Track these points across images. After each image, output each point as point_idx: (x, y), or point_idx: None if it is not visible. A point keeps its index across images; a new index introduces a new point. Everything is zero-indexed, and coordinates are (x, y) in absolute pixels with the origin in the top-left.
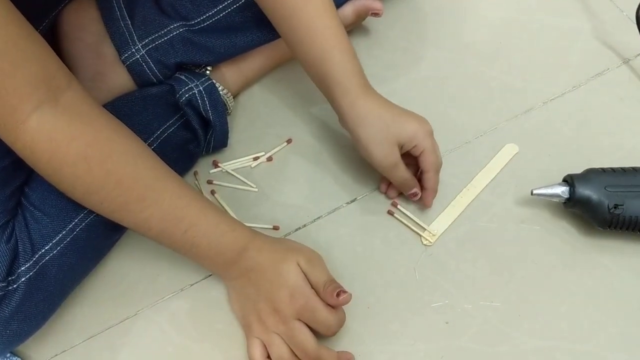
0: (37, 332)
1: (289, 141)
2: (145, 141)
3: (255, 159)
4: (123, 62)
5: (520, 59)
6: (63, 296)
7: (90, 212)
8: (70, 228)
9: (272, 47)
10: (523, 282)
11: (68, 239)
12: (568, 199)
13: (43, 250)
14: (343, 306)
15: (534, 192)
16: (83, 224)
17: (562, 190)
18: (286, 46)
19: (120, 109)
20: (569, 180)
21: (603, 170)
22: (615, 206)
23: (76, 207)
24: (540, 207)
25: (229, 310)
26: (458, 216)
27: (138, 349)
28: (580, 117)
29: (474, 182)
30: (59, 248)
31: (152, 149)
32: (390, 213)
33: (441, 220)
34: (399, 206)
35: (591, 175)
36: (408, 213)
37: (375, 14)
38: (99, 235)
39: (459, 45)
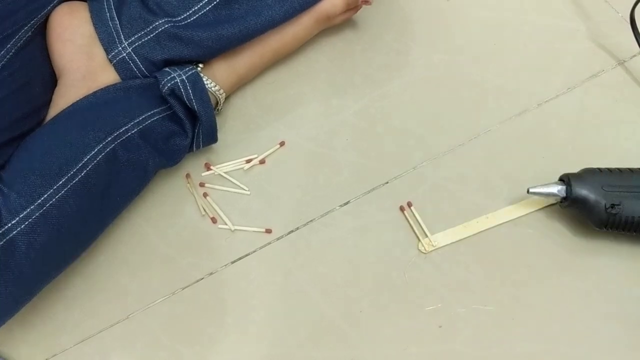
0: (28, 336)
1: (281, 144)
2: (123, 126)
3: (248, 161)
4: (110, 60)
5: (514, 60)
6: (38, 282)
7: (60, 188)
8: (39, 203)
9: (262, 42)
10: (517, 285)
11: (37, 214)
12: (564, 198)
13: (9, 224)
14: None
15: (530, 190)
16: (53, 200)
17: (559, 189)
18: (276, 41)
19: (101, 96)
20: (565, 180)
21: (600, 170)
22: (612, 206)
23: (44, 183)
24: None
25: (221, 314)
26: (465, 238)
27: (129, 353)
28: (574, 119)
29: (497, 214)
30: (27, 223)
31: (132, 134)
32: (401, 209)
33: (447, 235)
34: (412, 207)
35: (588, 174)
36: (418, 216)
37: (366, 2)
38: (74, 217)
39: (452, 47)
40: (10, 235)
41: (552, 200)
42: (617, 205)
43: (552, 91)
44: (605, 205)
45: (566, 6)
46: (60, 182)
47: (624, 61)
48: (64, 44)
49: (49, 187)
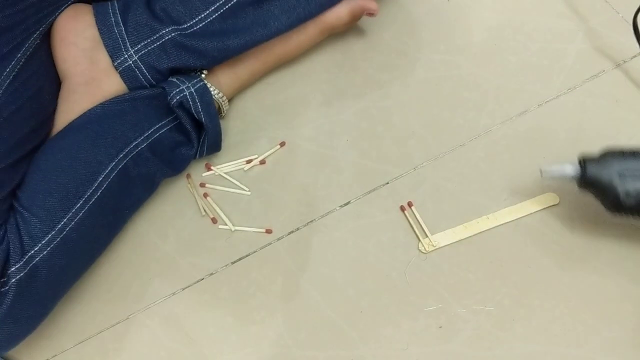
0: (28, 336)
1: (282, 144)
2: (133, 141)
3: (249, 162)
4: (116, 68)
5: (515, 60)
6: (55, 300)
7: (78, 211)
8: (59, 228)
9: (266, 50)
10: (517, 286)
11: (57, 240)
12: (579, 179)
13: (32, 252)
14: None
15: (543, 169)
16: (72, 224)
17: (572, 170)
18: (280, 49)
19: (109, 109)
20: (581, 162)
21: (622, 152)
22: (627, 194)
23: (63, 206)
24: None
25: (221, 314)
26: (465, 238)
27: (130, 353)
28: (575, 119)
29: (497, 214)
30: (48, 249)
31: (142, 149)
32: (402, 209)
33: (447, 235)
34: (413, 207)
35: (607, 157)
36: (418, 216)
37: (370, 14)
38: (89, 236)
39: (453, 47)
40: (34, 262)
41: (554, 200)
42: (633, 193)
43: (552, 91)
44: (619, 193)
45: (566, 6)
46: (78, 205)
47: (625, 62)
48: (67, 48)
49: (68, 210)
